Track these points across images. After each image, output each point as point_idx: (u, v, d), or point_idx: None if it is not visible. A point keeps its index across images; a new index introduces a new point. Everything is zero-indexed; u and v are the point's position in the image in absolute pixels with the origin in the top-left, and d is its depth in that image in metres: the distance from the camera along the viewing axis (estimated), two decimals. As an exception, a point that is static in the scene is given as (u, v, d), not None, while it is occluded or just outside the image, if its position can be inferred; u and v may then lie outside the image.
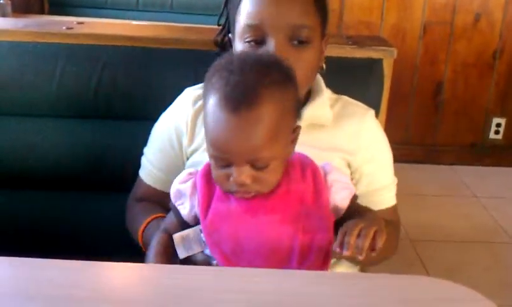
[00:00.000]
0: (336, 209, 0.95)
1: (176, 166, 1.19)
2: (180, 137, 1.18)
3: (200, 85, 1.22)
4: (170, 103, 1.23)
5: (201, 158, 1.13)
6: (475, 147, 3.24)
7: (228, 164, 0.90)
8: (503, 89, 3.14)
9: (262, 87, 0.86)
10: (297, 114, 0.95)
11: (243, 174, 0.89)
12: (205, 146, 1.16)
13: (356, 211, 0.95)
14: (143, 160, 1.24)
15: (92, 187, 1.41)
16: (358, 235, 0.82)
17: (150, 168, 1.22)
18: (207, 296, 0.75)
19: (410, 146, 3.18)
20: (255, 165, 0.89)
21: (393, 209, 1.20)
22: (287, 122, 0.91)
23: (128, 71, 1.36)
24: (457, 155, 3.22)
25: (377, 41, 1.44)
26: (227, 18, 1.20)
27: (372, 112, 1.19)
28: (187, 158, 1.19)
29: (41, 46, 1.34)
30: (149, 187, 1.22)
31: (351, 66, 1.36)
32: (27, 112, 1.37)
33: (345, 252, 0.81)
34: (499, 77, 3.12)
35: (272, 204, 0.93)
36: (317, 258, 0.91)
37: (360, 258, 0.81)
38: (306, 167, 0.96)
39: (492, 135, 3.22)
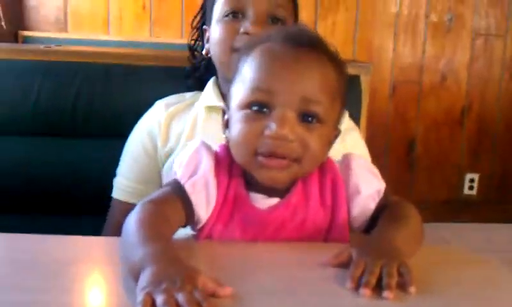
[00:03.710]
0: (362, 215, 0.85)
1: (153, 174, 1.16)
2: (154, 139, 1.16)
3: (170, 96, 1.23)
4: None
5: None
6: (450, 203, 3.25)
7: (268, 109, 0.75)
8: (473, 145, 3.20)
9: (325, 48, 0.81)
10: (340, 114, 0.84)
11: (287, 122, 0.73)
12: (179, 148, 1.12)
13: (384, 207, 0.85)
14: (116, 180, 1.20)
15: (66, 209, 1.35)
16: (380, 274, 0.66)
17: (126, 184, 1.18)
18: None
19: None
20: (304, 114, 0.75)
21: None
22: (338, 99, 0.81)
23: (105, 88, 1.34)
24: (433, 212, 3.22)
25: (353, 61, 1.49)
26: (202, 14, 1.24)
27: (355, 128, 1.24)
28: (163, 164, 1.16)
29: (19, 63, 1.33)
30: (127, 204, 1.14)
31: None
32: (2, 130, 1.33)
33: (365, 292, 0.64)
34: (469, 133, 3.18)
35: (286, 233, 0.81)
36: None
37: (390, 296, 0.64)
38: (326, 176, 0.84)
39: (466, 191, 3.24)
